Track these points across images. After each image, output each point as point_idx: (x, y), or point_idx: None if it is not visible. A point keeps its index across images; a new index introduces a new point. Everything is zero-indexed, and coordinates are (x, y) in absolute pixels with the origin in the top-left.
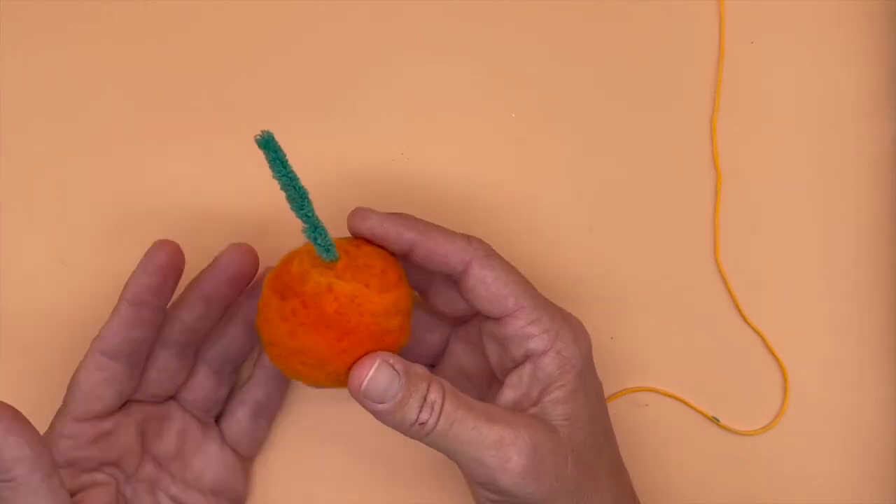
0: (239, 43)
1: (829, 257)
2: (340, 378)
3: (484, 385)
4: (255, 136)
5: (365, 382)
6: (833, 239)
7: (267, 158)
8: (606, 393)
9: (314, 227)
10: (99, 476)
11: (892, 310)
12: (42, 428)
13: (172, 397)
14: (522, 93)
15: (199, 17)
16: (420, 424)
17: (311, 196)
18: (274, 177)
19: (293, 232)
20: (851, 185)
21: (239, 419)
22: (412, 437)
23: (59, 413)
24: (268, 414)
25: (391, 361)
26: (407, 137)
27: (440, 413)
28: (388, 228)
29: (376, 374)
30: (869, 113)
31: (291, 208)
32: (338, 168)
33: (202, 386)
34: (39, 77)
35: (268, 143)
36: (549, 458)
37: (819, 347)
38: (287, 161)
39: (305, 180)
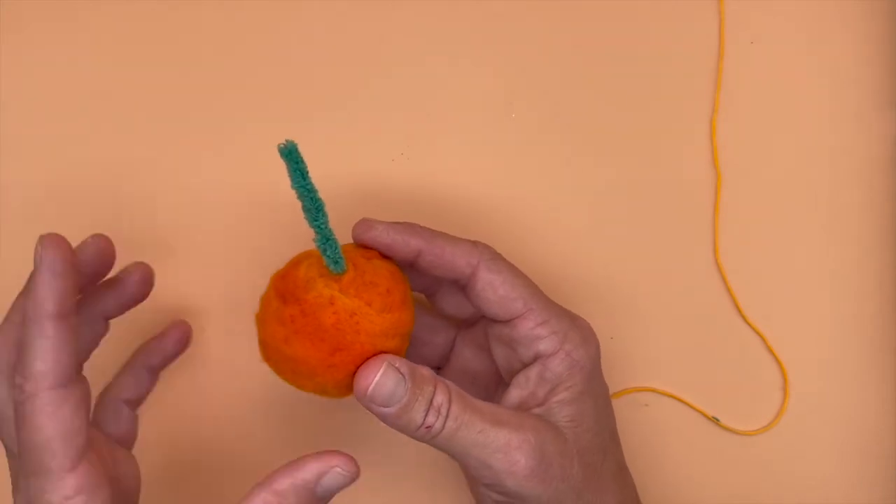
0: (240, 43)
1: (829, 257)
2: (327, 390)
3: (491, 387)
4: (278, 145)
5: (371, 387)
6: (833, 239)
7: (288, 168)
8: None
9: (325, 240)
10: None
11: (892, 310)
12: None
13: None
14: (522, 93)
15: (202, 18)
16: (426, 428)
17: (326, 208)
18: (293, 187)
19: (295, 229)
20: (851, 185)
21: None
22: (419, 439)
23: None
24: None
25: (397, 365)
26: (407, 137)
27: (447, 416)
28: (394, 237)
29: (382, 378)
30: (869, 113)
31: (306, 218)
32: (337, 167)
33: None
34: (40, 76)
35: (290, 154)
36: (555, 459)
37: (819, 347)
38: (307, 172)
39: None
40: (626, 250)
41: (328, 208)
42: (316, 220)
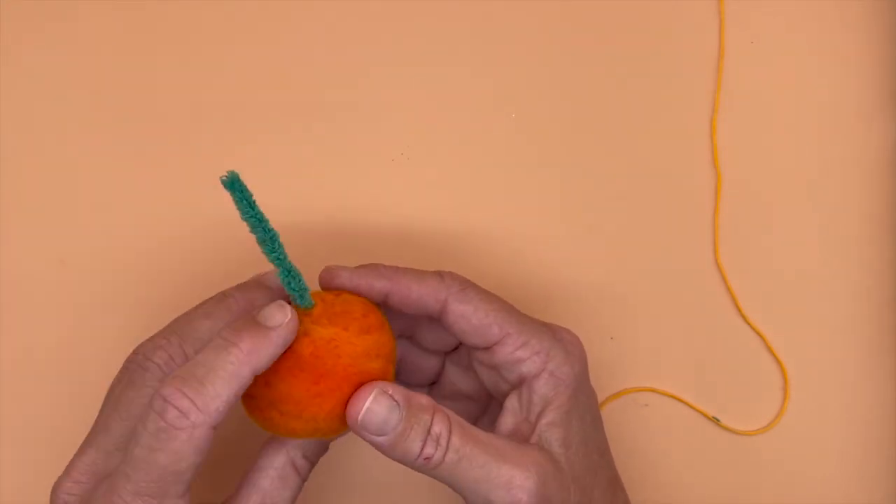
0: (240, 43)
1: (829, 257)
2: (319, 425)
3: (483, 404)
4: (220, 177)
5: (362, 413)
6: (833, 239)
7: (234, 199)
8: (607, 393)
9: (286, 272)
10: None
11: (892, 310)
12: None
13: None
14: (522, 92)
15: (199, 18)
16: (425, 458)
17: (280, 238)
18: (242, 218)
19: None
20: (851, 185)
21: None
22: (419, 470)
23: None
24: None
25: (390, 391)
26: (407, 137)
27: (447, 447)
28: (357, 283)
29: (373, 404)
30: (869, 113)
31: (262, 251)
32: (338, 168)
33: None
34: (40, 76)
35: (233, 184)
36: (556, 494)
37: (819, 347)
38: (254, 202)
39: (305, 178)
40: (627, 250)
41: (328, 206)
42: (273, 252)
